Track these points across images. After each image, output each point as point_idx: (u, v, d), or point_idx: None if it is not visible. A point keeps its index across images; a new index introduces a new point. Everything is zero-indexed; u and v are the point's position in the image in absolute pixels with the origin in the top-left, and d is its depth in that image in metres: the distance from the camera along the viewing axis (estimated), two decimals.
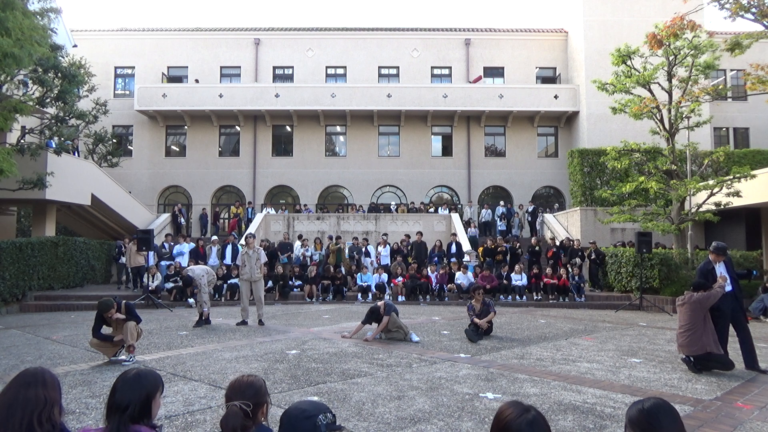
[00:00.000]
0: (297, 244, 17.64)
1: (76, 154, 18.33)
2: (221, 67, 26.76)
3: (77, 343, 8.27)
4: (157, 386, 2.30)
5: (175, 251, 16.48)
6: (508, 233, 21.33)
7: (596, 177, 21.11)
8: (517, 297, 14.89)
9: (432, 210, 23.50)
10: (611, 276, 15.59)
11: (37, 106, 15.46)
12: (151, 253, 14.45)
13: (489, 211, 22.77)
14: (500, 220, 22.23)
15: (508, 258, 16.61)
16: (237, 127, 26.41)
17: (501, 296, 14.85)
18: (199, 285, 10.00)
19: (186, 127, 26.16)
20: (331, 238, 18.06)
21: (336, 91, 25.22)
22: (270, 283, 14.66)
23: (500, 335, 9.04)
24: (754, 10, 13.45)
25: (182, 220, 21.85)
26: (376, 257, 16.84)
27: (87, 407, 4.81)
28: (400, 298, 14.70)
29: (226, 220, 24.67)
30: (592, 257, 16.12)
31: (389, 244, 17.39)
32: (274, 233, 20.08)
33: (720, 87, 19.52)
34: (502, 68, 26.84)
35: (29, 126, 18.23)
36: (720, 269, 6.87)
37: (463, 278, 14.98)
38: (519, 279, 15.15)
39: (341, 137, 26.87)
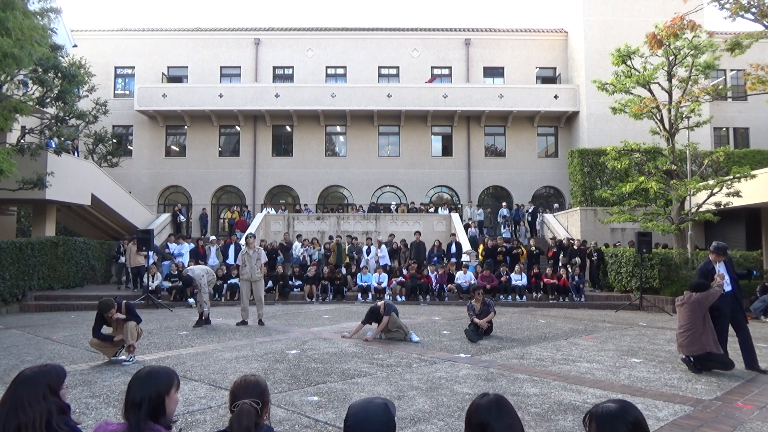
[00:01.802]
0: (297, 244, 17.63)
1: (76, 154, 18.32)
2: (221, 67, 26.76)
3: (77, 343, 8.27)
4: (170, 383, 2.33)
5: (173, 251, 16.45)
6: (515, 239, 20.05)
7: (596, 177, 21.10)
8: (517, 297, 14.89)
9: (432, 210, 23.49)
10: (611, 276, 15.59)
11: (37, 106, 15.45)
12: (151, 253, 14.44)
13: (480, 210, 22.72)
14: (504, 226, 21.39)
15: (508, 258, 16.60)
16: (237, 127, 26.41)
17: (501, 296, 14.84)
18: (199, 285, 10.00)
19: (186, 127, 26.16)
20: (331, 237, 18.07)
21: (336, 91, 25.21)
22: (270, 283, 14.66)
23: (500, 335, 9.04)
24: (754, 10, 13.45)
25: (182, 217, 21.82)
26: (375, 258, 16.75)
27: (87, 407, 4.81)
28: (400, 298, 14.70)
29: (225, 221, 24.66)
30: (594, 257, 16.09)
31: (384, 244, 17.38)
32: (274, 233, 20.09)
33: (720, 87, 19.52)
34: (502, 68, 26.84)
35: (29, 126, 18.21)
36: (720, 269, 6.87)
37: (463, 278, 14.98)
38: (519, 279, 15.14)
39: (341, 137, 26.88)
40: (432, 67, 26.84)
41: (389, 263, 16.64)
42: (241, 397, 2.26)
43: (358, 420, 2.02)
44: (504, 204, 22.97)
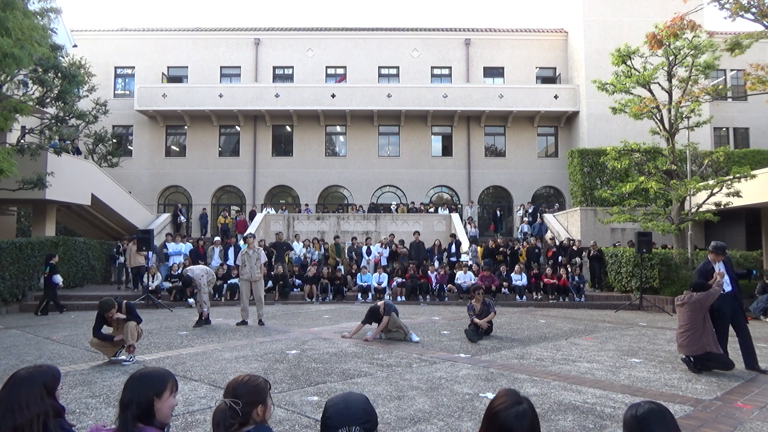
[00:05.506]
0: (298, 244, 17.59)
1: (75, 154, 18.28)
2: (221, 67, 26.76)
3: (77, 343, 8.27)
4: (162, 387, 2.27)
5: (171, 251, 16.42)
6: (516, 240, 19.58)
7: (596, 177, 21.09)
8: (517, 297, 14.89)
9: (432, 210, 23.49)
10: (611, 276, 15.59)
11: (37, 106, 15.45)
12: (151, 253, 14.42)
13: (468, 208, 22.72)
14: (523, 241, 20.24)
15: (508, 258, 16.60)
16: (237, 127, 26.41)
17: (504, 288, 14.90)
18: (199, 285, 10.01)
19: (186, 127, 26.16)
20: (326, 243, 18.05)
21: (336, 91, 25.21)
22: (270, 283, 14.66)
23: (500, 335, 9.04)
24: (754, 10, 13.45)
25: (182, 218, 21.78)
26: (376, 259, 16.71)
27: (87, 407, 4.81)
28: (400, 298, 14.70)
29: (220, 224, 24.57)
30: (592, 254, 16.07)
31: (387, 246, 17.36)
32: (275, 233, 20.04)
33: (720, 87, 19.51)
34: (502, 68, 26.83)
35: (29, 126, 18.21)
36: (719, 269, 6.87)
37: (463, 278, 14.98)
38: (519, 279, 15.15)
39: (341, 137, 26.87)
40: (432, 67, 26.86)
41: (386, 263, 16.56)
42: (225, 396, 2.25)
43: (338, 411, 1.91)
44: (525, 220, 21.46)
